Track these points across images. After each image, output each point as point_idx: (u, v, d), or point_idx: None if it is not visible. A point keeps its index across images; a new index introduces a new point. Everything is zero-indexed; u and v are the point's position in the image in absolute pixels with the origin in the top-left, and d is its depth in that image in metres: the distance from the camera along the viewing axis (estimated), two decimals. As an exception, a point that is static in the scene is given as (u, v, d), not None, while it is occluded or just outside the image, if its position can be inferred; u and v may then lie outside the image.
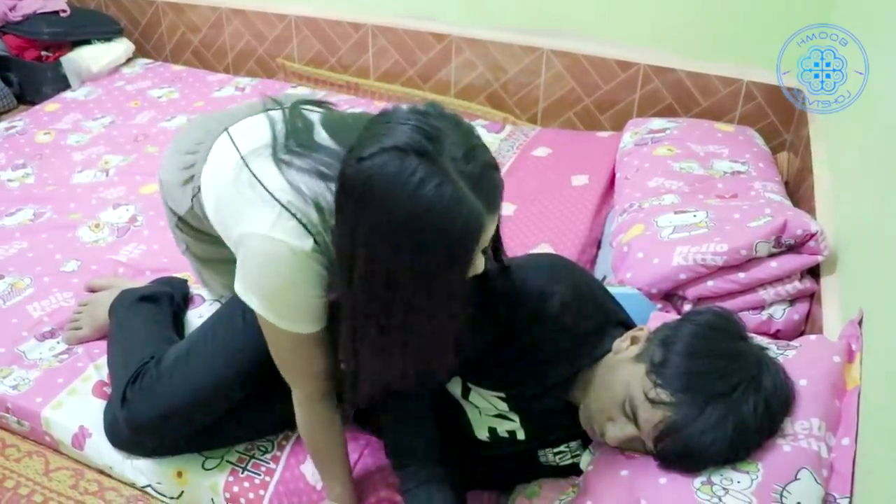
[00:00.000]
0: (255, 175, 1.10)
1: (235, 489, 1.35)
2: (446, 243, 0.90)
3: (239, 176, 1.13)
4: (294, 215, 1.03)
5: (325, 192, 1.04)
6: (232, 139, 1.22)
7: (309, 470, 1.36)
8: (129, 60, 3.06)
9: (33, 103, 2.83)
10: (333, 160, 1.05)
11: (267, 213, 1.05)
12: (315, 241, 1.03)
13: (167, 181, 1.38)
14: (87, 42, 2.97)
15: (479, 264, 0.98)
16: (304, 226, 1.03)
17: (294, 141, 1.12)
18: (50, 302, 1.74)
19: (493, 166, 0.95)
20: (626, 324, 1.23)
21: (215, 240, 1.38)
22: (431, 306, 0.96)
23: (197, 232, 1.42)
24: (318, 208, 1.03)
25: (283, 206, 1.04)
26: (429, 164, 0.87)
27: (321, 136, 1.14)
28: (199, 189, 1.28)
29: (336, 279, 1.02)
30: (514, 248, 1.87)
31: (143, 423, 1.33)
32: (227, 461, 1.38)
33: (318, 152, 1.09)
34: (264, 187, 1.07)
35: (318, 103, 1.29)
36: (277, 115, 1.22)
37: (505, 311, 1.14)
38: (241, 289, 1.10)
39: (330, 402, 1.22)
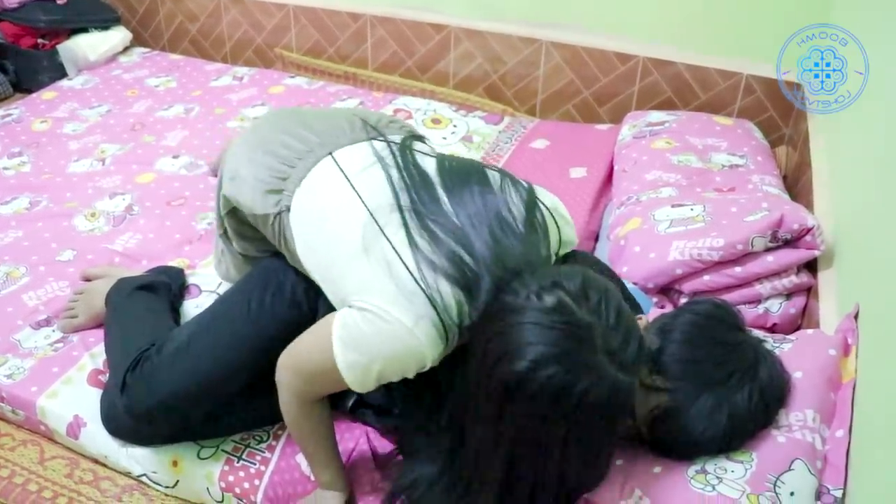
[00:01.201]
0: (405, 264, 1.04)
1: (231, 478, 1.35)
2: (608, 428, 0.95)
3: (374, 245, 1.08)
4: (443, 323, 1.01)
5: (459, 300, 1.02)
6: (355, 189, 1.16)
7: (304, 460, 1.37)
8: (126, 49, 3.04)
9: (29, 91, 2.82)
10: (458, 251, 1.03)
11: (411, 306, 1.02)
12: (445, 345, 1.03)
13: (245, 175, 1.30)
14: (84, 30, 2.95)
15: None
16: (446, 333, 1.02)
17: (419, 203, 1.09)
18: (45, 291, 1.73)
19: (642, 342, 0.96)
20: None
21: (261, 240, 1.38)
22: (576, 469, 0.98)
23: (246, 226, 1.40)
24: (460, 320, 1.02)
25: (437, 311, 1.01)
26: (588, 370, 0.89)
27: (442, 200, 1.11)
28: (288, 209, 1.23)
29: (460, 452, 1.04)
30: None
31: (143, 411, 1.32)
32: (223, 450, 1.38)
33: (445, 236, 1.05)
34: (417, 282, 1.02)
35: (419, 137, 1.30)
36: (387, 155, 1.19)
37: None
38: (344, 344, 1.05)
39: (323, 401, 1.21)
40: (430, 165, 1.18)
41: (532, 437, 0.93)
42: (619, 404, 0.92)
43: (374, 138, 1.26)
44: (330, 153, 1.23)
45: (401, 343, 1.02)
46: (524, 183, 1.17)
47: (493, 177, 1.16)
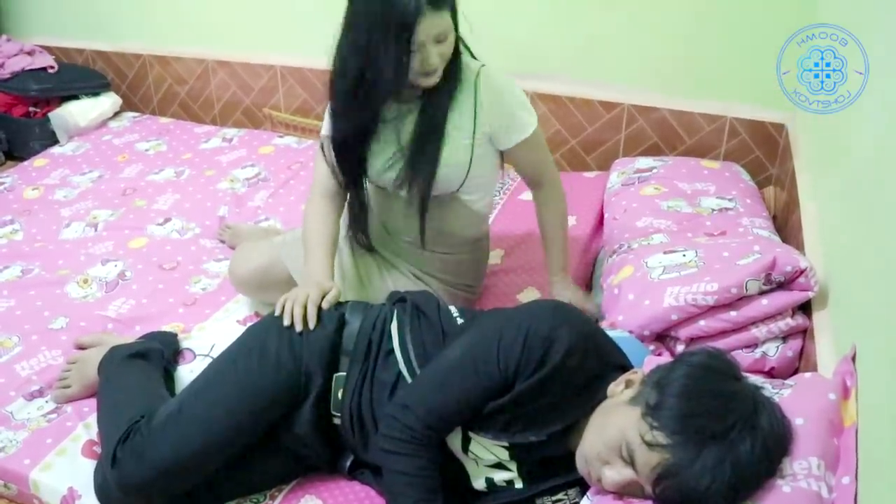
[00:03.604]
0: None
1: (223, 540, 1.32)
2: (387, 13, 1.38)
3: None
4: None
5: None
6: None
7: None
8: (116, 114, 3.08)
9: (22, 159, 2.84)
10: None
11: None
12: None
13: None
14: (75, 97, 2.99)
15: (428, 58, 1.47)
16: None
17: None
18: (38, 360, 1.72)
19: None
20: (626, 368, 1.23)
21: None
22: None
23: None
24: None
25: None
26: None
27: None
28: None
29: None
30: (500, 294, 1.87)
31: (134, 484, 1.30)
32: (219, 517, 1.36)
33: None
34: None
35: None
36: None
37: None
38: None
39: (327, 202, 1.65)
40: None
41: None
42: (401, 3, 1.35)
43: None
44: None
45: None
46: None
47: None
